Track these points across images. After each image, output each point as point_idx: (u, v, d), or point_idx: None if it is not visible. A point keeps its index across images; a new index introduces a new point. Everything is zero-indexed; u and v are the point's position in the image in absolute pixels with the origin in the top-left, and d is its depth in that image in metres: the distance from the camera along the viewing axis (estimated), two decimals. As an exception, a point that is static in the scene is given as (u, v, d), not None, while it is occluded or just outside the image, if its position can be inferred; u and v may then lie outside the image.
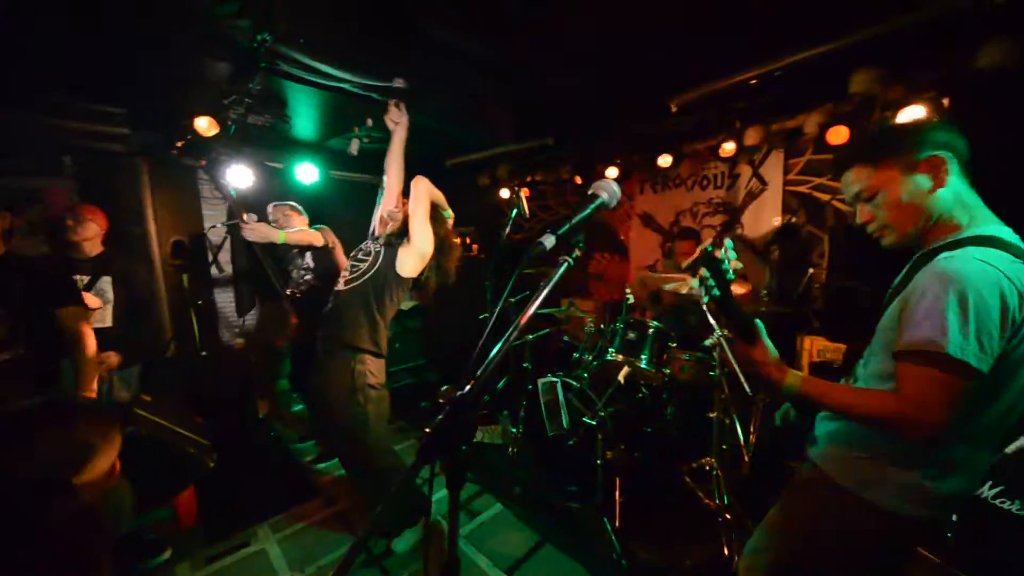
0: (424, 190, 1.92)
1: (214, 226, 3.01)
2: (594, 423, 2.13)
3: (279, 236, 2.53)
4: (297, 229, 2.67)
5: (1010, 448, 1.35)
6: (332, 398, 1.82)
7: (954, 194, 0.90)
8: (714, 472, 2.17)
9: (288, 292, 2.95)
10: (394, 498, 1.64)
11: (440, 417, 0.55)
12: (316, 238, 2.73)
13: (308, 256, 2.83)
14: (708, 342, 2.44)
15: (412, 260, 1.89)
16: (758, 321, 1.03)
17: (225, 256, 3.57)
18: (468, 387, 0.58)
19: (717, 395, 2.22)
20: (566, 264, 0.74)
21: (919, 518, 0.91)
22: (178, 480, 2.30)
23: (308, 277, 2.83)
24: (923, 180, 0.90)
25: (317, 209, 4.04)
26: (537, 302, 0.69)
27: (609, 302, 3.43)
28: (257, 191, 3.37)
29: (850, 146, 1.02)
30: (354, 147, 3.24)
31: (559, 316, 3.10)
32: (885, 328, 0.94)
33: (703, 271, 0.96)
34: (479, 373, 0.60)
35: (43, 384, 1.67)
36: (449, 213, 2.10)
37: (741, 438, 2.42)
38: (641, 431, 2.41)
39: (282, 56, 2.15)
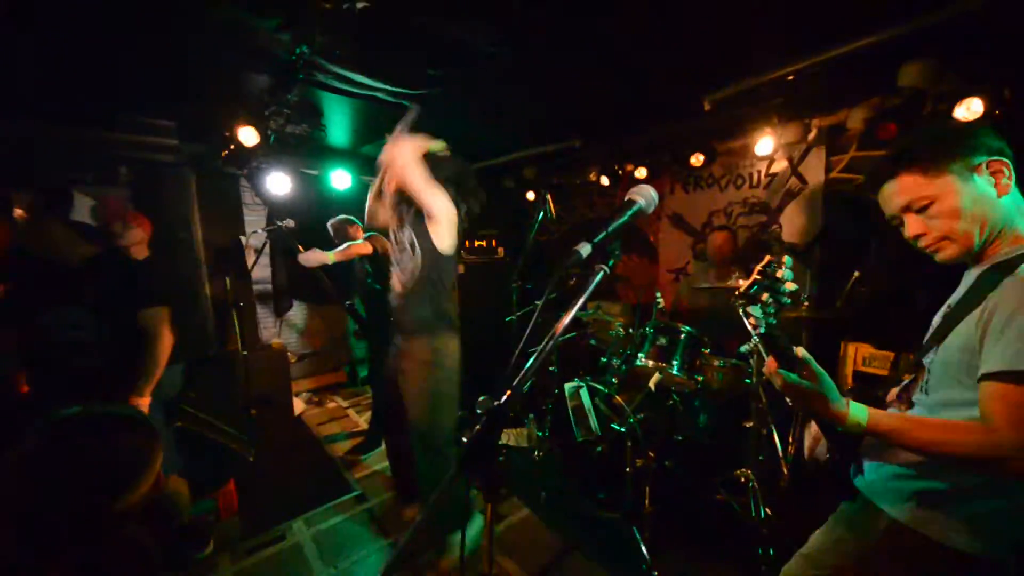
0: (408, 154, 1.75)
1: (255, 232, 3.15)
2: (623, 430, 2.10)
3: (329, 257, 2.75)
4: (344, 246, 2.85)
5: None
6: (410, 368, 1.83)
7: (1016, 203, 0.85)
8: (750, 484, 2.08)
9: (354, 296, 3.25)
10: (435, 507, 1.67)
11: (477, 427, 0.55)
12: (364, 248, 2.88)
13: (366, 262, 3.03)
14: (744, 348, 2.36)
15: (444, 233, 1.78)
16: (802, 349, 0.90)
17: (264, 260, 3.74)
18: (504, 398, 0.58)
19: (754, 404, 2.14)
20: (603, 272, 0.73)
21: (991, 559, 0.83)
22: (220, 473, 2.42)
23: (368, 281, 3.05)
24: (986, 186, 0.83)
25: (349, 213, 4.21)
26: (573, 311, 0.69)
27: (637, 305, 3.36)
28: (294, 197, 3.52)
29: (894, 152, 0.90)
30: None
31: (586, 320, 3.06)
32: (957, 350, 0.84)
33: (765, 295, 0.83)
34: (515, 383, 0.60)
35: (121, 387, 1.76)
36: (440, 146, 1.95)
37: (780, 450, 2.32)
38: (672, 439, 2.34)
39: (318, 67, 2.23)
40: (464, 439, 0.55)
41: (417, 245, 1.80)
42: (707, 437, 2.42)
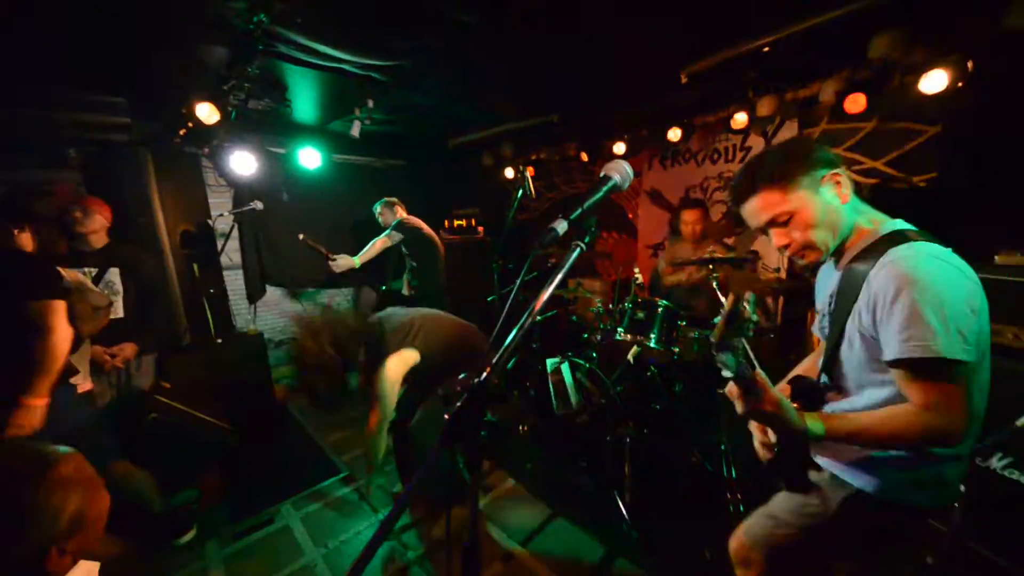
0: None
1: (221, 214, 3.03)
2: (603, 401, 2.17)
3: (356, 262, 3.02)
4: (368, 248, 3.10)
5: (1020, 422, 1.36)
6: None
7: (854, 206, 0.99)
8: (722, 447, 2.20)
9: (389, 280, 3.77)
10: (420, 480, 1.71)
11: (458, 404, 0.57)
12: (385, 243, 3.14)
13: (402, 246, 3.27)
14: (718, 320, 2.45)
15: None
16: (761, 372, 0.91)
17: (233, 244, 3.60)
18: (485, 374, 0.60)
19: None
20: (579, 249, 0.75)
21: (931, 506, 0.98)
22: (201, 460, 2.39)
23: (414, 264, 3.39)
24: (830, 196, 0.96)
25: (319, 193, 4.08)
26: (551, 288, 0.70)
27: (617, 282, 3.42)
28: (261, 177, 3.38)
29: (749, 175, 0.99)
30: (356, 129, 3.23)
31: (567, 297, 3.10)
32: (857, 341, 0.94)
33: (735, 339, 0.80)
34: (496, 360, 0.62)
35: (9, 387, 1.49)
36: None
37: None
38: (650, 408, 2.44)
39: (279, 37, 2.11)
40: (446, 415, 0.56)
41: None
42: (683, 405, 2.53)
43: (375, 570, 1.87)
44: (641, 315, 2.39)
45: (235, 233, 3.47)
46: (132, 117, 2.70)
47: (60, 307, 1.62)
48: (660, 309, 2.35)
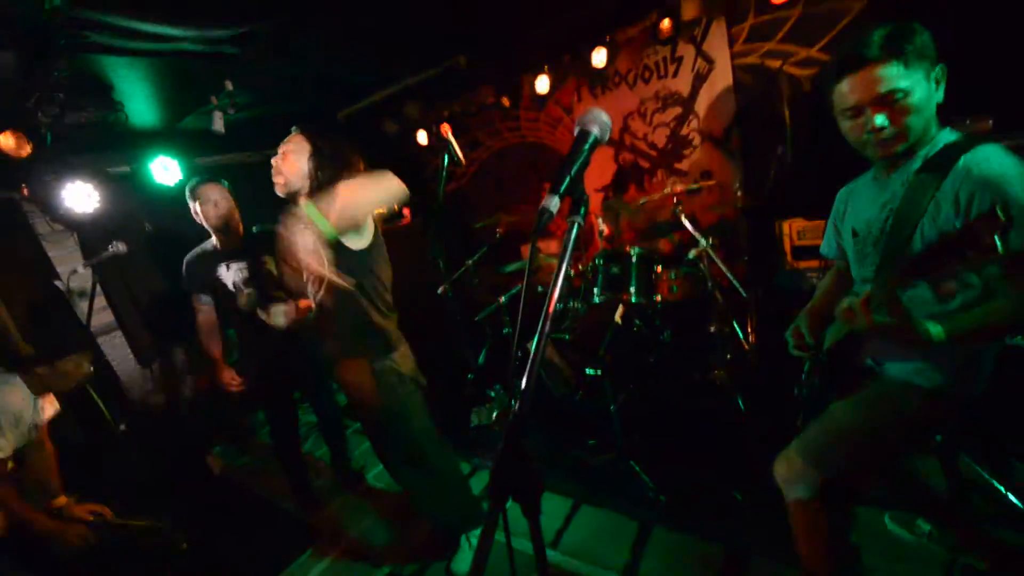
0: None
1: (74, 270, 2.63)
2: (598, 372, 2.23)
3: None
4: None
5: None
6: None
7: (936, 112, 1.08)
8: (726, 383, 2.38)
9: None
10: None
11: (501, 447, 0.53)
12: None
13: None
14: (692, 255, 2.57)
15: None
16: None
17: (100, 301, 3.17)
18: (518, 404, 0.56)
19: (713, 307, 2.38)
20: (577, 225, 0.71)
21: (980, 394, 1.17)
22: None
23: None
24: (934, 90, 1.04)
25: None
26: (560, 281, 0.67)
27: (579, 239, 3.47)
28: (108, 209, 2.94)
29: (883, 40, 1.01)
30: (218, 122, 2.89)
31: (533, 268, 3.10)
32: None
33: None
34: (524, 385, 0.58)
35: None
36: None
37: (745, 343, 2.64)
38: (646, 363, 2.55)
39: (86, 24, 1.78)
40: (489, 461, 0.53)
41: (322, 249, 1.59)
42: (675, 350, 2.68)
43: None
44: (616, 270, 2.45)
45: (99, 289, 3.05)
46: None
47: None
48: (634, 258, 2.41)
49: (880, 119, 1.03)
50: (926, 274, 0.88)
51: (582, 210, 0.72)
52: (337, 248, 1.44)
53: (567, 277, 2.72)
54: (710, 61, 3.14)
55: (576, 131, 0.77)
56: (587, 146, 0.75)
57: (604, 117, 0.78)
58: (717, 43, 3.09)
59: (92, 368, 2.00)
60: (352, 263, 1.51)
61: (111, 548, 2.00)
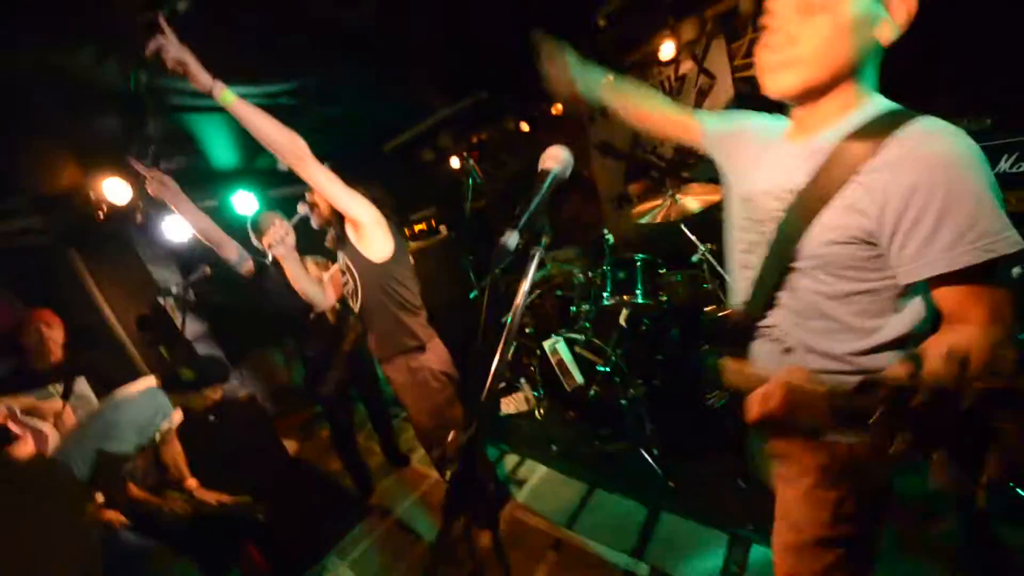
0: (317, 170, 1.57)
1: (173, 290, 2.86)
2: (608, 369, 2.18)
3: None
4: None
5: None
6: (401, 394, 1.81)
7: (875, 64, 0.71)
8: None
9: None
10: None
11: (458, 467, 0.53)
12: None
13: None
14: (695, 258, 2.46)
15: (372, 239, 1.64)
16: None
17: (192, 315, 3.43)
18: (472, 427, 0.56)
19: (716, 305, 2.27)
20: (538, 255, 0.71)
21: None
22: (234, 544, 2.34)
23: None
24: (878, 27, 0.67)
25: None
26: (519, 310, 0.66)
27: (590, 246, 3.40)
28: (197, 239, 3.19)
29: None
30: (282, 163, 3.05)
31: (550, 273, 3.08)
32: (843, 238, 0.70)
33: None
34: (478, 408, 0.58)
35: None
36: None
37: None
38: (654, 360, 2.47)
39: (165, 89, 1.94)
40: (447, 479, 0.53)
41: (352, 267, 1.71)
42: (683, 347, 2.57)
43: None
44: (622, 274, 2.39)
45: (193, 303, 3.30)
46: (41, 214, 2.50)
47: None
48: (639, 263, 2.34)
49: (786, 27, 0.72)
50: None
51: (543, 241, 0.71)
52: (362, 260, 1.65)
53: (577, 276, 2.68)
54: (712, 77, 3.00)
55: (539, 169, 0.77)
56: (547, 183, 0.75)
57: (564, 154, 0.77)
58: (718, 59, 2.95)
59: (222, 396, 2.30)
60: (377, 272, 1.66)
61: (205, 516, 2.18)
